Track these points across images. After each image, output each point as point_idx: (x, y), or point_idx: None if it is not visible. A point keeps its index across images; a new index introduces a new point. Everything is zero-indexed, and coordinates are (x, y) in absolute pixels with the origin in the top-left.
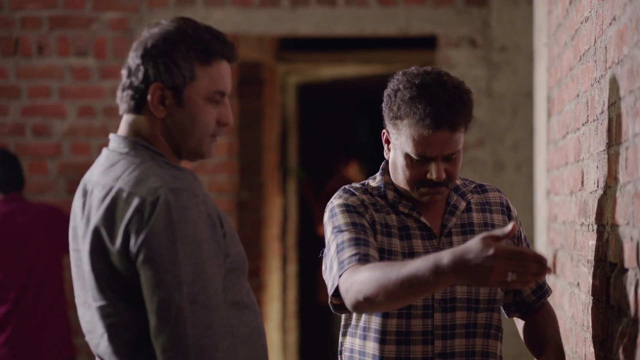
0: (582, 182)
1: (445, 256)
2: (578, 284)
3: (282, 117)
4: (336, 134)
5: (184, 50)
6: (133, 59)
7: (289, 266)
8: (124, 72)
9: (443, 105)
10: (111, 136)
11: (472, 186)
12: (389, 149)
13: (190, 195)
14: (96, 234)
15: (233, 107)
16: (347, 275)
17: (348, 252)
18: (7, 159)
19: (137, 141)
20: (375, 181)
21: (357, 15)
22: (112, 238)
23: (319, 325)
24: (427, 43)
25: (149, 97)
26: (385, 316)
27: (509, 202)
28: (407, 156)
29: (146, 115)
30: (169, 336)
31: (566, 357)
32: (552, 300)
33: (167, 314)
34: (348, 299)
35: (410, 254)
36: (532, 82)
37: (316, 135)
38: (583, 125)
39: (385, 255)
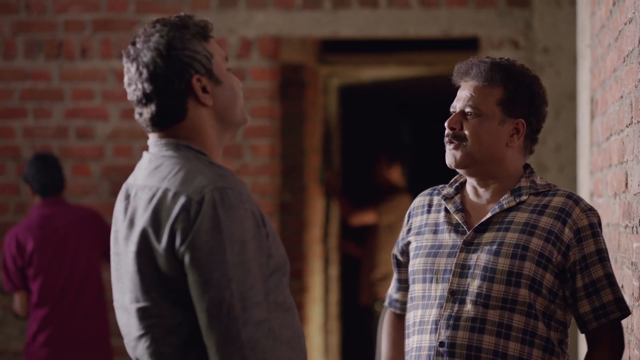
0: (626, 184)
1: None
2: (622, 286)
3: (324, 120)
4: (378, 136)
5: (190, 37)
6: (153, 73)
7: (330, 268)
8: (148, 93)
9: (474, 60)
10: (150, 141)
11: (543, 189)
12: None
13: (236, 194)
14: (143, 235)
15: (275, 109)
16: (386, 316)
17: (391, 287)
18: (45, 163)
19: (179, 142)
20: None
21: (399, 17)
22: (159, 238)
23: (361, 327)
24: (469, 45)
25: (195, 91)
26: (414, 308)
27: (579, 210)
28: None
29: (192, 115)
30: (221, 334)
31: None
32: None
33: (218, 313)
34: None
35: (439, 246)
36: (575, 84)
37: (358, 137)
38: (627, 127)
39: (415, 251)
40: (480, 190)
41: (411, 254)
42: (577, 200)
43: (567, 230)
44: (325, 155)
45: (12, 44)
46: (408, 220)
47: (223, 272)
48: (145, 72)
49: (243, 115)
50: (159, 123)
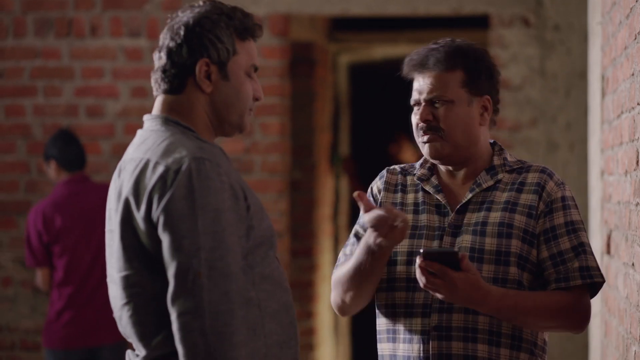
0: (637, 162)
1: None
2: (633, 264)
3: (333, 98)
4: (388, 114)
5: (224, 26)
6: (173, 38)
7: (340, 246)
8: (162, 55)
9: (424, 49)
10: (145, 117)
11: (517, 166)
12: None
13: (214, 165)
14: (126, 204)
15: (285, 87)
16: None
17: (348, 249)
18: (70, 137)
19: (169, 118)
20: (419, 161)
21: None
22: (138, 206)
23: (371, 305)
24: (480, 22)
25: (196, 73)
26: (391, 289)
27: (553, 184)
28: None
29: (189, 93)
30: (185, 301)
31: (619, 337)
32: (606, 281)
33: (184, 279)
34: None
35: (421, 227)
36: (586, 62)
37: (368, 115)
38: (638, 104)
39: None
40: (455, 172)
41: None
42: (551, 174)
43: (541, 203)
44: (335, 134)
45: (22, 22)
46: (379, 194)
47: (193, 239)
48: (168, 36)
49: (241, 121)
50: (160, 84)
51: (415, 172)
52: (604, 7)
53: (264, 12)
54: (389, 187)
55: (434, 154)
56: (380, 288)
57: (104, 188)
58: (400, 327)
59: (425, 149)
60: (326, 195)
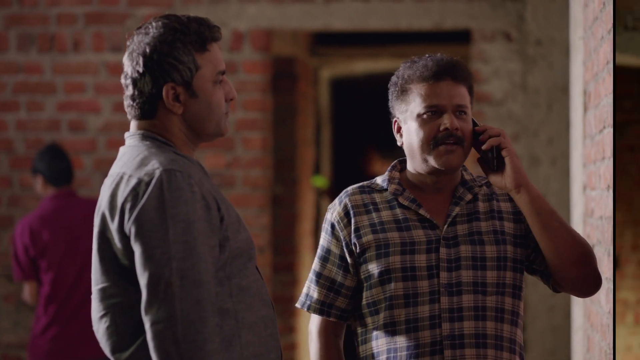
0: None
1: None
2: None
3: (315, 112)
4: (370, 129)
5: (181, 45)
6: (134, 67)
7: None
8: (128, 82)
9: (440, 59)
10: (125, 134)
11: (484, 182)
12: (401, 135)
13: (185, 176)
14: (102, 218)
15: (267, 102)
16: (312, 324)
17: (317, 292)
18: (58, 152)
19: (146, 133)
20: (381, 178)
21: (391, 10)
22: (112, 218)
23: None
24: (462, 37)
25: (164, 98)
26: (390, 307)
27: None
28: (419, 116)
29: (161, 117)
30: (157, 310)
31: (601, 352)
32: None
33: (156, 288)
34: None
35: (412, 243)
36: (568, 76)
37: (350, 130)
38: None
39: (382, 249)
40: (427, 187)
41: (372, 253)
42: None
43: (515, 206)
44: (316, 148)
45: (4, 37)
46: (349, 221)
47: (164, 249)
48: (129, 66)
49: (218, 129)
50: (131, 111)
51: (379, 189)
52: (586, 21)
53: (246, 27)
54: (358, 209)
55: (454, 164)
56: (377, 309)
57: (90, 203)
58: (404, 344)
59: (443, 159)
60: (308, 210)
